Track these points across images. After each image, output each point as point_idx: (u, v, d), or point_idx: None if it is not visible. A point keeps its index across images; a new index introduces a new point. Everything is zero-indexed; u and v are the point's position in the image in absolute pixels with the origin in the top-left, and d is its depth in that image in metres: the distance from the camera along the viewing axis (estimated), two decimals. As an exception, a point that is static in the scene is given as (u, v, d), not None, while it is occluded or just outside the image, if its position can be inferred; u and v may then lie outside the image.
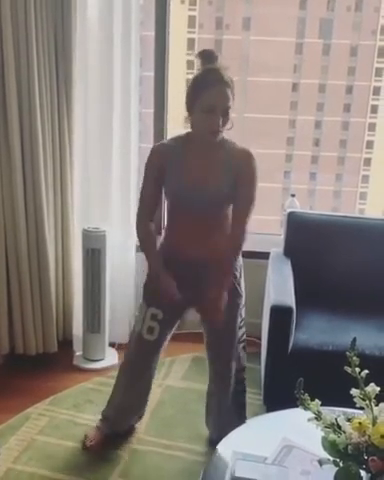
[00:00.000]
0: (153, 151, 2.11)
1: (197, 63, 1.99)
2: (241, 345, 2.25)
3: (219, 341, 2.25)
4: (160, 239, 2.20)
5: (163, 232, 2.22)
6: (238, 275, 2.18)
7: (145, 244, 2.18)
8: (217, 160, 2.03)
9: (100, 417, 2.50)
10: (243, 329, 2.24)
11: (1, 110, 2.77)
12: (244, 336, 2.26)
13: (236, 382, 2.30)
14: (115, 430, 2.46)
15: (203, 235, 2.06)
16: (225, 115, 1.92)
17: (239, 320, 2.21)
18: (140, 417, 2.52)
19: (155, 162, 2.09)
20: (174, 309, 2.18)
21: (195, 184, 2.01)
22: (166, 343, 2.32)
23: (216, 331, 2.22)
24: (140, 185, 2.16)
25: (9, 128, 2.77)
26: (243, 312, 2.22)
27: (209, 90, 1.90)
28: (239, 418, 2.28)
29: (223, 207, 2.07)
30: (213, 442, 2.21)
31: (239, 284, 2.19)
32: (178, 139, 2.10)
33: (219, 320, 2.11)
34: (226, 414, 2.32)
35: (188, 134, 2.07)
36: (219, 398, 2.34)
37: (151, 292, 2.20)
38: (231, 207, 2.08)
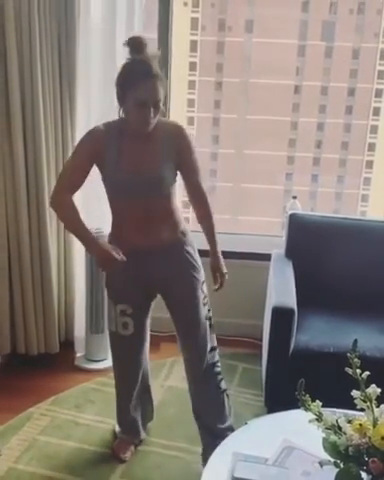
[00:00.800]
0: (92, 131, 2.05)
1: (125, 52, 1.97)
2: (208, 323, 2.21)
3: (186, 322, 2.21)
4: (108, 234, 2.19)
5: (110, 226, 2.18)
6: (192, 250, 2.17)
7: (70, 219, 2.11)
8: (154, 141, 2.00)
9: (118, 429, 2.49)
10: (208, 306, 2.21)
11: (4, 112, 2.79)
12: (210, 313, 2.23)
13: (210, 365, 2.25)
14: (139, 437, 2.47)
15: (147, 223, 2.04)
16: (156, 107, 1.91)
17: (202, 297, 2.18)
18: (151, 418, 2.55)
19: (92, 143, 2.03)
20: (140, 300, 2.18)
21: (135, 168, 1.98)
22: (147, 338, 2.31)
23: (183, 313, 2.21)
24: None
25: (12, 129, 2.78)
26: (204, 288, 2.20)
27: (139, 85, 1.88)
28: (220, 396, 2.30)
29: (167, 189, 2.05)
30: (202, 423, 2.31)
31: (195, 259, 2.17)
32: (112, 124, 2.05)
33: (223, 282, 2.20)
34: (207, 395, 2.29)
35: (122, 120, 2.03)
36: (196, 384, 2.30)
37: (113, 289, 2.20)
38: (172, 189, 2.08)
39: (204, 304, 2.19)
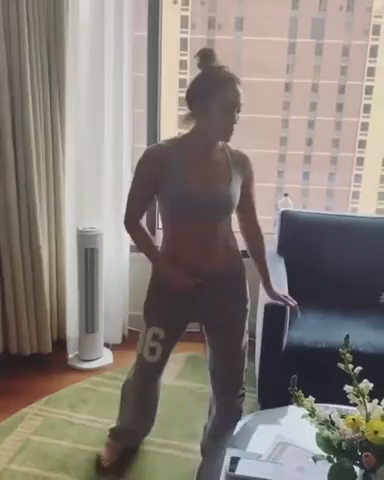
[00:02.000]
0: (148, 153, 1.96)
1: (195, 62, 1.93)
2: (246, 351, 2.16)
3: (229, 350, 2.11)
4: (165, 246, 2.06)
5: (160, 244, 2.07)
6: (245, 279, 2.11)
7: (142, 242, 2.06)
8: (222, 163, 1.95)
9: (109, 433, 2.42)
10: (247, 335, 2.14)
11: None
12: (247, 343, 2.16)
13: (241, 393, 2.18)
14: (128, 446, 2.42)
15: (209, 246, 1.96)
16: (239, 112, 1.88)
17: (247, 327, 2.12)
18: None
19: (150, 165, 1.93)
20: (174, 325, 2.08)
21: (204, 185, 1.89)
22: (167, 362, 2.19)
23: (228, 341, 2.10)
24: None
25: (2, 129, 2.77)
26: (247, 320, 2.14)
27: (227, 89, 1.84)
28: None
29: (230, 213, 2.00)
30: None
31: (247, 289, 2.12)
32: (175, 141, 1.95)
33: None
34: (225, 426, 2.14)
35: (186, 136, 1.95)
36: (226, 413, 2.18)
37: (152, 311, 2.09)
38: (232, 214, 2.03)
39: (246, 332, 2.12)
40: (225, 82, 1.85)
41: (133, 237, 2.08)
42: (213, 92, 1.84)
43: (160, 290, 2.05)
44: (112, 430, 2.42)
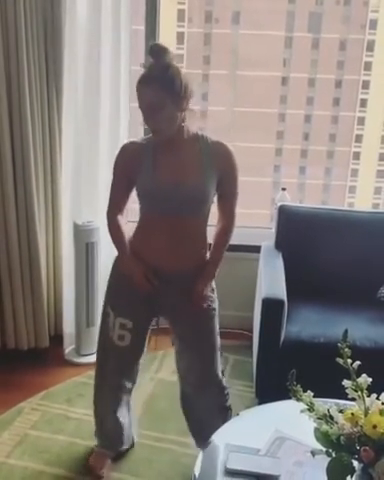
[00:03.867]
0: (122, 149, 1.99)
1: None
2: (218, 353, 2.13)
3: (200, 348, 2.10)
4: (133, 239, 2.03)
5: (133, 233, 2.05)
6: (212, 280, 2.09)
7: (115, 235, 2.04)
8: (194, 156, 1.92)
9: (96, 444, 2.34)
10: (219, 338, 2.12)
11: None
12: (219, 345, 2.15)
13: (220, 391, 2.17)
14: (117, 450, 2.34)
15: (177, 243, 1.94)
16: (155, 114, 1.82)
17: (217, 327, 2.11)
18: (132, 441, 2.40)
19: (124, 160, 1.97)
20: (142, 316, 2.08)
21: (171, 181, 1.88)
22: (142, 352, 2.18)
23: (195, 338, 2.09)
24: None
25: (0, 126, 2.76)
26: (217, 320, 2.11)
27: (137, 89, 1.85)
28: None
29: (203, 207, 1.96)
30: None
31: (213, 288, 2.10)
32: (149, 137, 1.97)
33: (201, 310, 2.04)
34: (211, 421, 2.10)
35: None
36: (203, 406, 2.18)
37: (118, 301, 2.08)
38: (207, 209, 1.99)
39: (218, 334, 2.11)
40: (137, 85, 1.85)
41: (109, 229, 2.06)
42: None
43: (126, 282, 2.02)
44: (98, 440, 2.33)
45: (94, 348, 3.09)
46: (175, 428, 2.52)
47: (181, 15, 3.72)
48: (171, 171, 1.90)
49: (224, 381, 2.17)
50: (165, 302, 2.04)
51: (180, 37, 3.72)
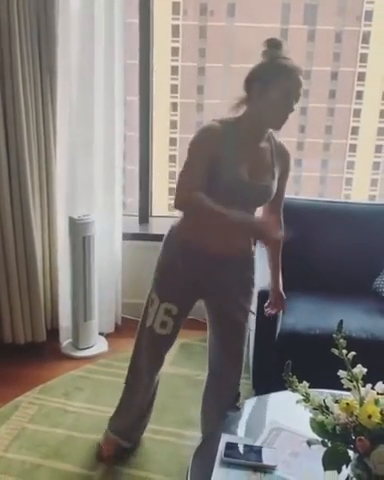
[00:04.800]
0: (205, 130, 1.89)
1: (262, 51, 1.91)
2: (244, 352, 2.17)
3: (235, 331, 2.11)
4: (185, 225, 2.02)
5: (186, 222, 2.02)
6: (255, 269, 2.12)
7: (207, 207, 1.83)
8: (267, 154, 1.96)
9: (109, 426, 2.36)
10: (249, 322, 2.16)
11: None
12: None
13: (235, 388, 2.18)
14: (129, 441, 2.36)
15: (234, 233, 1.95)
16: (297, 102, 1.87)
17: (251, 313, 2.16)
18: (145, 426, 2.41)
19: (208, 142, 1.87)
20: (187, 302, 2.10)
21: (250, 178, 1.90)
22: (177, 336, 2.19)
23: (231, 329, 2.10)
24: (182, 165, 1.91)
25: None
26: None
27: (291, 76, 1.84)
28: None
29: (261, 202, 2.02)
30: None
31: (255, 277, 2.12)
32: (228, 124, 1.90)
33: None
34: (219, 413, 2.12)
35: (238, 120, 1.92)
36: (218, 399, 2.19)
37: (165, 286, 2.08)
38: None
39: (249, 318, 2.13)
40: (290, 70, 1.85)
41: (201, 209, 1.86)
42: (277, 77, 1.84)
43: (175, 267, 2.02)
44: (112, 425, 2.35)
45: (93, 342, 3.12)
46: (174, 420, 2.53)
47: (176, 8, 3.70)
48: (250, 165, 1.91)
49: (239, 385, 2.17)
50: (213, 285, 2.04)
51: (175, 30, 3.71)
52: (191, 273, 2.00)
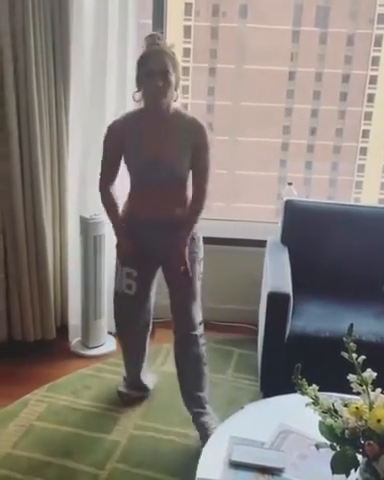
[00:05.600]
0: (109, 128, 2.30)
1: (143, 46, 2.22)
2: (198, 296, 2.41)
3: (181, 292, 2.39)
4: (123, 203, 2.39)
5: (126, 196, 2.38)
6: (197, 240, 2.39)
7: (108, 209, 2.41)
8: (173, 133, 2.23)
9: (123, 388, 2.71)
10: (200, 282, 2.41)
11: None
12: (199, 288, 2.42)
13: (198, 336, 2.41)
14: (139, 392, 2.70)
15: (161, 202, 2.28)
16: (164, 77, 2.14)
17: (199, 271, 2.39)
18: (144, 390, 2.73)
19: (112, 138, 2.28)
20: (145, 266, 2.42)
21: (154, 158, 2.21)
22: (150, 301, 2.53)
23: (180, 284, 2.37)
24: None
25: (7, 117, 2.78)
26: (201, 265, 2.41)
27: (148, 58, 2.17)
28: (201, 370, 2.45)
29: (179, 177, 2.27)
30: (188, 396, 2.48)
31: (198, 238, 2.38)
32: (132, 114, 2.31)
33: (185, 271, 2.31)
34: (190, 371, 2.45)
35: (141, 110, 2.29)
36: (182, 348, 2.45)
37: (123, 253, 2.40)
38: (184, 177, 2.28)
39: (199, 278, 2.39)
40: (147, 53, 2.18)
41: (102, 201, 2.40)
42: (139, 64, 2.20)
43: (129, 233, 2.36)
44: (124, 378, 2.74)
45: (102, 340, 3.13)
46: (178, 420, 2.53)
47: (188, 9, 3.70)
48: (154, 148, 2.21)
49: (200, 330, 2.41)
50: (159, 250, 2.36)
51: (187, 31, 3.71)
52: (135, 239, 2.34)
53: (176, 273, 2.33)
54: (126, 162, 2.30)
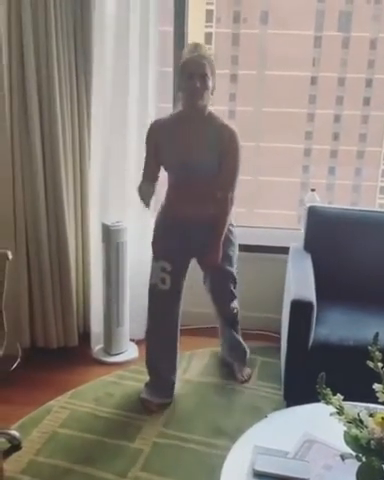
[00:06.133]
0: (149, 127, 2.51)
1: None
2: (234, 280, 2.72)
3: (219, 279, 2.69)
4: (162, 201, 2.59)
5: (164, 194, 2.57)
6: (231, 228, 2.61)
7: (145, 196, 2.52)
8: (204, 135, 2.41)
9: (144, 388, 2.74)
10: (235, 268, 2.69)
11: (22, 109, 2.80)
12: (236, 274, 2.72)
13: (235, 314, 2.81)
14: (166, 398, 2.70)
15: (196, 201, 2.46)
16: (203, 81, 2.33)
17: (234, 260, 2.67)
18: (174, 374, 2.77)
19: (150, 137, 2.50)
20: (178, 260, 2.57)
21: (185, 158, 2.40)
22: (181, 295, 2.64)
23: (216, 273, 2.66)
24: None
25: (29, 124, 2.80)
26: (235, 258, 2.68)
27: (188, 62, 2.36)
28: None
29: (209, 176, 2.43)
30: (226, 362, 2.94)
31: (233, 235, 2.62)
32: (171, 116, 2.50)
33: (217, 267, 2.57)
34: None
35: (180, 111, 2.47)
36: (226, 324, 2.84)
37: (159, 247, 2.57)
38: (213, 176, 2.43)
39: (232, 265, 2.65)
40: (187, 57, 2.37)
41: (140, 191, 2.52)
42: (181, 68, 2.40)
43: (160, 231, 2.57)
44: (146, 383, 2.75)
45: (124, 347, 3.13)
46: (201, 429, 2.52)
47: (209, 15, 3.71)
48: (185, 148, 2.40)
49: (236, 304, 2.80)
50: (193, 246, 2.55)
51: (208, 37, 3.72)
52: (170, 233, 2.53)
53: (210, 267, 2.60)
54: (161, 161, 2.48)
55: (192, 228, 2.51)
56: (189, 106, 2.41)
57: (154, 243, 2.62)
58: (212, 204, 2.46)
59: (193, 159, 2.40)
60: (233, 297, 2.77)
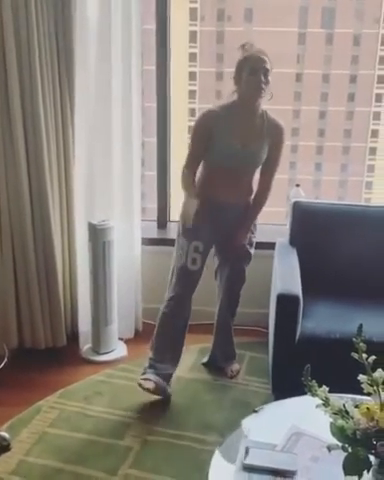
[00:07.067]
0: (204, 114, 2.56)
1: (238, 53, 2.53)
2: (249, 262, 2.84)
3: (238, 258, 2.81)
4: (199, 183, 2.63)
5: (200, 177, 2.63)
6: (255, 218, 2.78)
7: (188, 186, 2.60)
8: (258, 128, 2.55)
9: (147, 368, 2.69)
10: (253, 250, 2.83)
11: (4, 108, 2.78)
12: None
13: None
14: (161, 375, 2.67)
15: (235, 186, 2.60)
16: (265, 76, 2.44)
17: (253, 245, 2.82)
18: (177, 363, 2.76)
19: (204, 124, 2.54)
20: (208, 242, 2.66)
21: (241, 146, 2.51)
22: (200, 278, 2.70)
23: (237, 253, 2.79)
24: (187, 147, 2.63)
25: (12, 124, 2.78)
26: (254, 241, 2.82)
27: (251, 58, 2.45)
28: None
29: (256, 168, 2.63)
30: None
31: (255, 225, 2.79)
32: (225, 107, 2.56)
33: (241, 246, 2.75)
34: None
35: (233, 102, 2.55)
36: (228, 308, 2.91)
37: (192, 228, 2.57)
38: (257, 168, 2.64)
39: (251, 247, 2.81)
40: (252, 54, 2.47)
41: (184, 179, 2.61)
42: (242, 63, 2.48)
43: (204, 212, 2.54)
44: (148, 364, 2.71)
45: (112, 346, 3.13)
46: (193, 425, 2.52)
47: (193, 13, 3.71)
48: (241, 137, 2.51)
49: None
50: (225, 228, 2.67)
51: (193, 36, 3.71)
52: (208, 216, 2.54)
53: (234, 251, 2.74)
54: (211, 148, 2.53)
55: (229, 212, 2.63)
56: (248, 99, 2.50)
57: (185, 225, 2.63)
58: (248, 191, 2.65)
59: (249, 148, 2.52)
60: (244, 279, 2.85)
